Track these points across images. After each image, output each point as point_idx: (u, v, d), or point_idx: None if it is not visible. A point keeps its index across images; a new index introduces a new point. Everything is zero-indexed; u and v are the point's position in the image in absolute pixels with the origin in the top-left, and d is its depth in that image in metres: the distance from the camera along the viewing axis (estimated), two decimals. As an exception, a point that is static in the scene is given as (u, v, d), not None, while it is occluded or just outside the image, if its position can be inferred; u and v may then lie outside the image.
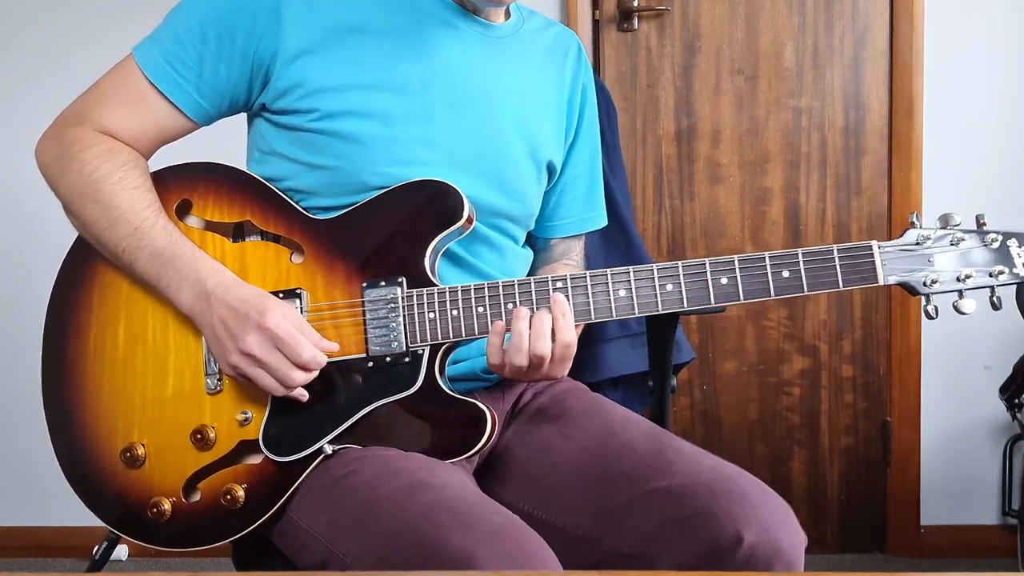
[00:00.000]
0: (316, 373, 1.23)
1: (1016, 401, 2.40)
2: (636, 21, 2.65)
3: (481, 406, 1.22)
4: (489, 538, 1.06)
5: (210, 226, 1.31)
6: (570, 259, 1.51)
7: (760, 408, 2.74)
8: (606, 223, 1.56)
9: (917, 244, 1.18)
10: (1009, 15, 2.59)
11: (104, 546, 2.19)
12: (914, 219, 1.18)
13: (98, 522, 1.33)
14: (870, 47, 2.63)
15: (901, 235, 1.18)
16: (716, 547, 1.15)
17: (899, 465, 2.71)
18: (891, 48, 2.62)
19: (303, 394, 1.23)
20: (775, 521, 1.17)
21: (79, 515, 1.34)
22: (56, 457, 1.31)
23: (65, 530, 2.77)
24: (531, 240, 1.52)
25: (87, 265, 1.32)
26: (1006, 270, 1.17)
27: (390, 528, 1.11)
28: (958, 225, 1.18)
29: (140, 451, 1.27)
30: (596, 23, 2.66)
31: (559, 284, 1.22)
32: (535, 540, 1.11)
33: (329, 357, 1.23)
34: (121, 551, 2.77)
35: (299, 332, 1.21)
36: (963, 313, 1.17)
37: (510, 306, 1.22)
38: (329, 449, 1.24)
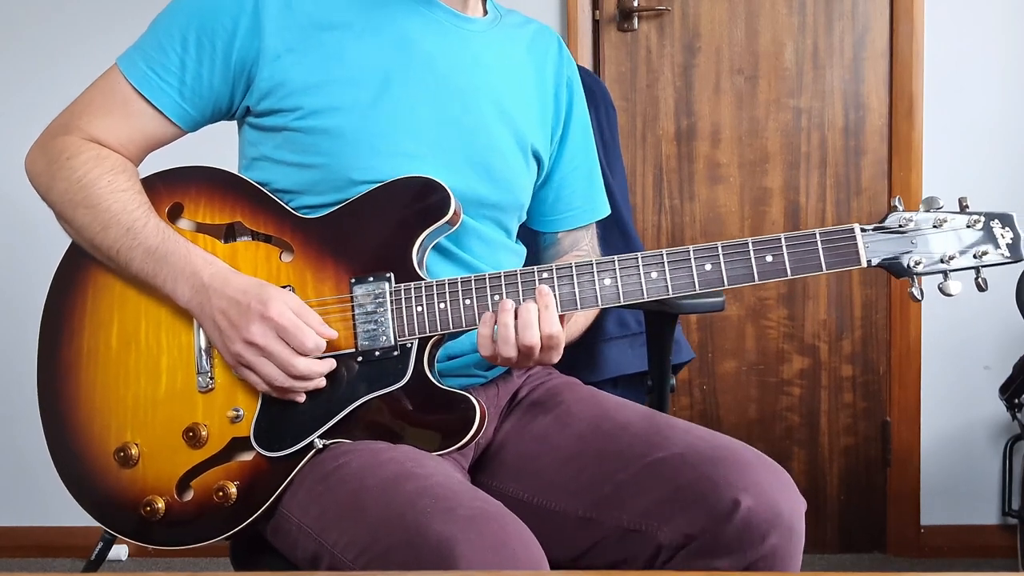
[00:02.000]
0: (323, 368, 1.23)
1: (1016, 401, 2.40)
2: (636, 21, 2.65)
3: (471, 399, 1.23)
4: (470, 523, 1.07)
5: (201, 228, 1.32)
6: (580, 249, 1.52)
7: (760, 408, 2.74)
8: (609, 211, 1.56)
9: (900, 226, 1.17)
10: (1009, 15, 2.59)
11: (100, 546, 2.19)
12: (896, 203, 1.18)
13: (97, 522, 1.33)
14: (870, 47, 2.63)
15: (884, 218, 1.18)
16: (714, 513, 1.15)
17: (899, 465, 2.71)
18: (891, 48, 2.62)
19: (301, 394, 1.24)
20: (772, 485, 1.17)
21: (78, 515, 1.34)
22: (51, 458, 1.32)
23: (64, 530, 2.77)
24: (538, 237, 1.53)
25: (81, 268, 1.34)
26: (989, 250, 1.16)
27: (375, 517, 1.12)
28: (941, 208, 1.17)
29: (133, 451, 1.28)
30: (596, 23, 2.67)
31: (545, 275, 1.22)
32: (516, 525, 1.11)
33: (328, 345, 1.24)
34: (121, 551, 2.77)
35: (301, 319, 1.22)
36: (949, 295, 1.17)
37: (496, 298, 1.22)
38: (320, 444, 1.24)
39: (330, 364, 1.24)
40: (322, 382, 1.24)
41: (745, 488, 1.15)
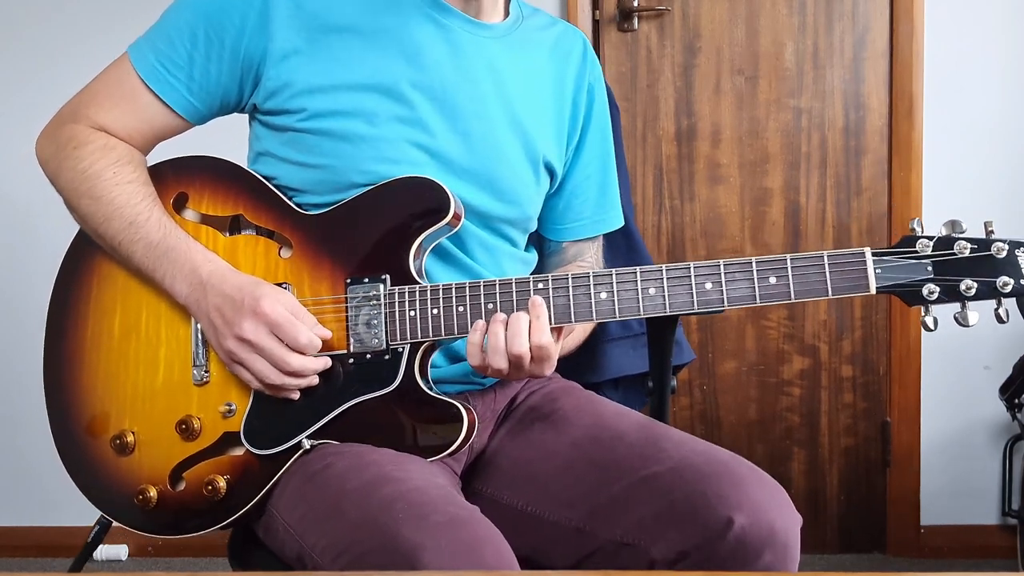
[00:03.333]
0: (317, 365, 1.23)
1: (1016, 401, 2.40)
2: (636, 21, 2.65)
3: (460, 406, 1.22)
4: (441, 529, 1.06)
5: (205, 219, 1.32)
6: (584, 261, 1.49)
7: (760, 408, 2.74)
8: (622, 223, 1.54)
9: (915, 251, 1.11)
10: (1009, 15, 2.59)
11: (96, 529, 2.19)
12: (914, 225, 1.13)
13: (94, 506, 1.33)
14: (870, 47, 2.63)
15: (898, 242, 1.13)
16: (708, 530, 1.14)
17: (899, 465, 2.71)
18: (891, 48, 2.62)
19: (294, 392, 1.23)
20: (767, 502, 1.16)
21: (78, 515, 1.35)
22: (54, 443, 1.33)
23: (64, 530, 2.77)
24: (543, 243, 1.51)
25: (87, 258, 1.35)
26: (1012, 282, 1.09)
27: (352, 521, 1.12)
28: (964, 232, 1.10)
29: (130, 439, 1.29)
30: (596, 23, 2.66)
31: (540, 285, 1.21)
32: (488, 530, 1.10)
33: (322, 344, 1.24)
34: (120, 551, 2.77)
35: (295, 317, 1.22)
36: (966, 326, 1.10)
37: (490, 306, 1.21)
38: (307, 444, 1.24)
39: (325, 362, 1.24)
40: (315, 380, 1.24)
41: (739, 505, 1.14)
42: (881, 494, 2.74)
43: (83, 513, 1.33)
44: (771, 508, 1.16)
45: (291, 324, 1.21)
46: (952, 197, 2.61)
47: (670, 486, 1.19)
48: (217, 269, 1.25)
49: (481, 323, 1.20)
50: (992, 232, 1.12)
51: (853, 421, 2.73)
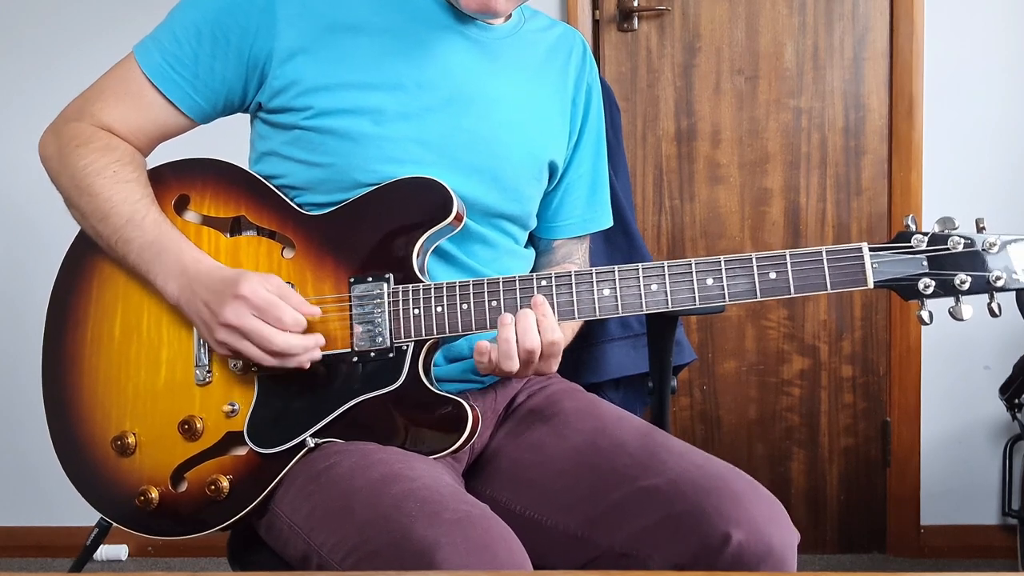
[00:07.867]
0: (305, 342, 1.22)
1: (1016, 401, 2.40)
2: (636, 21, 2.65)
3: (464, 404, 1.22)
4: (454, 526, 1.06)
5: (207, 221, 1.32)
6: (572, 262, 1.50)
7: (760, 408, 2.74)
8: (611, 224, 1.55)
9: (911, 247, 1.14)
10: (1009, 15, 2.59)
11: (95, 533, 2.19)
12: (909, 222, 1.15)
13: (93, 509, 1.33)
14: (870, 47, 2.63)
15: (894, 237, 1.15)
16: (705, 545, 1.14)
17: (899, 465, 2.71)
18: (891, 48, 2.62)
19: (302, 363, 1.22)
20: (765, 519, 1.16)
21: (79, 515, 1.35)
22: (52, 444, 1.33)
23: (65, 530, 2.78)
24: (534, 242, 1.52)
25: (87, 259, 1.35)
26: (1005, 276, 1.12)
27: (362, 519, 1.12)
28: (956, 229, 1.13)
29: (131, 440, 1.29)
30: (596, 23, 2.67)
31: (543, 283, 1.21)
32: (501, 528, 1.10)
33: (325, 344, 1.23)
34: (120, 551, 2.77)
35: (278, 297, 1.21)
36: (960, 319, 1.13)
37: (494, 304, 1.22)
38: (312, 442, 1.24)
39: (316, 339, 1.23)
40: (317, 354, 1.23)
41: (737, 521, 1.14)
42: (881, 494, 2.74)
43: (84, 513, 1.33)
44: (769, 524, 1.16)
45: (271, 304, 1.20)
46: (952, 197, 2.61)
47: (668, 499, 1.19)
48: (204, 267, 1.25)
49: (509, 315, 1.19)
50: (984, 228, 1.14)
51: (853, 421, 2.73)
